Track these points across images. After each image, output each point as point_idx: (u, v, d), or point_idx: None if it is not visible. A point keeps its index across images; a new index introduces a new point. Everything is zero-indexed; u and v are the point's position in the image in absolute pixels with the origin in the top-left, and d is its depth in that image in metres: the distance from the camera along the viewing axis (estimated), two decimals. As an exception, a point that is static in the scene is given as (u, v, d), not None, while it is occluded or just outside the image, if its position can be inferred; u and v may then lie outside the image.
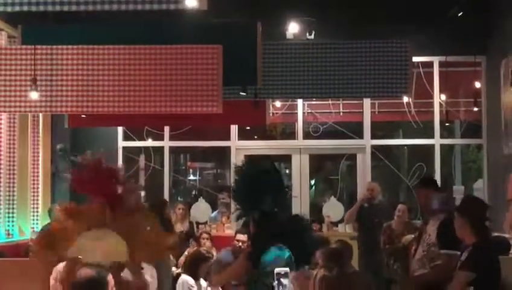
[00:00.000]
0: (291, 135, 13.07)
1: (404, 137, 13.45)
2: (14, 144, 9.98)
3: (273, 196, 5.99)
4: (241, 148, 12.62)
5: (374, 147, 12.48)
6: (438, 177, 11.70)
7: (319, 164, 13.86)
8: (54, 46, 7.45)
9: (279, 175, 6.29)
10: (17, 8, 6.10)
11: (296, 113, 12.66)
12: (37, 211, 10.77)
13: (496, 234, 9.24)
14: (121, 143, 12.71)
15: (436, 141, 12.25)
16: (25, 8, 6.09)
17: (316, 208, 12.97)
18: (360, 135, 12.52)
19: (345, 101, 12.68)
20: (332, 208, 12.41)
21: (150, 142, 12.99)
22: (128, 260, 4.97)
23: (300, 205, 12.44)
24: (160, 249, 5.25)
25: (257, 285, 5.55)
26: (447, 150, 12.66)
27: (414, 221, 10.38)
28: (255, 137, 13.32)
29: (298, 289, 4.83)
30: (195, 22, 8.08)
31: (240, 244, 7.99)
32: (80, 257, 4.80)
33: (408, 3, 10.83)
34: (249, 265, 5.62)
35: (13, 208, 10.05)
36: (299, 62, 9.15)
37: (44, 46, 7.44)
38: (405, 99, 11.54)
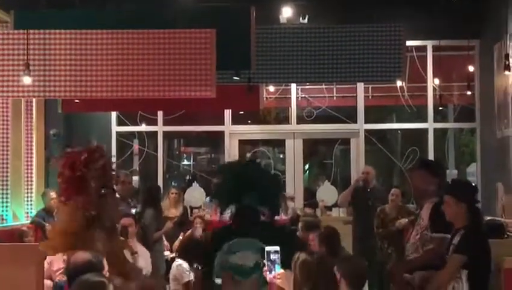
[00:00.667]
0: (285, 120, 13.08)
1: (398, 121, 13.48)
2: (7, 129, 9.96)
3: (255, 193, 6.03)
4: (234, 132, 12.63)
5: (367, 131, 12.50)
6: (431, 161, 11.71)
7: (313, 148, 13.89)
8: (47, 31, 7.40)
9: (265, 174, 6.34)
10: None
11: (290, 97, 12.66)
12: (31, 196, 10.76)
13: (489, 217, 9.31)
14: (115, 128, 12.70)
15: (430, 125, 12.27)
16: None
17: (310, 193, 13.00)
18: (353, 119, 12.54)
19: (338, 86, 12.68)
20: (326, 193, 12.43)
21: (143, 127, 12.99)
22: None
23: (294, 190, 12.49)
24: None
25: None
26: (440, 134, 12.69)
27: (408, 205, 10.43)
28: (249, 122, 13.33)
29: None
30: (188, 6, 8.07)
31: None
32: None
33: (401, -13, 10.83)
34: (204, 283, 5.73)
35: (7, 193, 10.04)
36: (292, 46, 9.13)
37: (37, 31, 7.40)
38: (398, 83, 11.56)
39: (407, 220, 9.28)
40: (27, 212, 10.56)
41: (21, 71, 7.19)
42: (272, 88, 12.40)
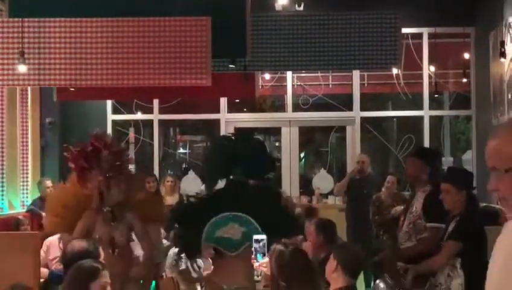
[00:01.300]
0: (281, 108, 13.07)
1: (393, 109, 13.48)
2: (2, 117, 9.95)
3: (246, 166, 6.05)
4: (230, 121, 12.62)
5: (363, 119, 12.50)
6: (427, 148, 11.72)
7: (309, 136, 13.89)
8: (42, 19, 7.38)
9: (249, 145, 6.38)
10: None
11: (286, 85, 12.65)
12: (27, 185, 10.77)
13: (484, 204, 9.32)
14: (110, 117, 12.69)
15: (425, 113, 12.28)
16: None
17: (305, 180, 13.02)
18: (349, 107, 12.54)
19: (334, 74, 12.67)
20: (322, 180, 12.45)
21: (139, 116, 12.98)
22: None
23: (290, 177, 12.49)
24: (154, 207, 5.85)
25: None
26: (436, 122, 12.70)
27: (403, 192, 10.44)
28: (245, 110, 13.32)
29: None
30: (183, -6, 8.02)
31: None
32: None
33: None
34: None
35: (3, 182, 10.04)
36: (288, 34, 9.11)
37: (31, 19, 7.38)
38: (394, 71, 11.55)
39: (402, 207, 9.28)
40: (23, 201, 10.56)
41: (16, 59, 7.17)
42: (267, 76, 12.39)
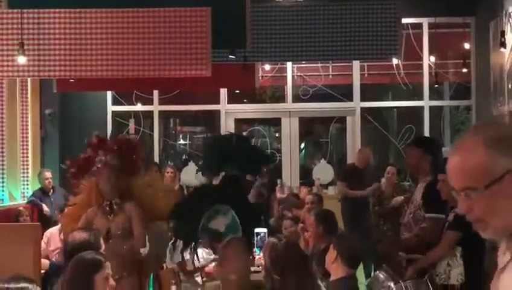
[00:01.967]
0: (281, 98, 13.06)
1: (394, 99, 13.47)
2: (2, 109, 9.94)
3: (237, 163, 6.33)
4: (230, 111, 12.61)
5: (363, 109, 12.49)
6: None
7: (309, 126, 13.87)
8: (41, 10, 7.37)
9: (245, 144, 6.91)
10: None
11: (286, 76, 12.63)
12: (27, 176, 10.77)
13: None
14: (110, 108, 12.68)
15: (426, 103, 12.27)
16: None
17: (306, 171, 13.02)
18: (349, 97, 12.52)
19: (334, 64, 12.66)
20: (322, 171, 12.45)
21: (139, 107, 12.97)
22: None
23: (290, 168, 12.50)
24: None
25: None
26: (436, 112, 12.68)
27: (403, 183, 10.44)
28: (245, 100, 13.31)
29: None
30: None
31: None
32: None
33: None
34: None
35: (3, 173, 10.04)
36: (288, 24, 9.11)
37: (31, 10, 7.37)
38: (394, 61, 11.54)
39: (402, 197, 9.30)
40: (23, 192, 10.57)
41: (15, 51, 7.16)
42: (267, 67, 12.37)
